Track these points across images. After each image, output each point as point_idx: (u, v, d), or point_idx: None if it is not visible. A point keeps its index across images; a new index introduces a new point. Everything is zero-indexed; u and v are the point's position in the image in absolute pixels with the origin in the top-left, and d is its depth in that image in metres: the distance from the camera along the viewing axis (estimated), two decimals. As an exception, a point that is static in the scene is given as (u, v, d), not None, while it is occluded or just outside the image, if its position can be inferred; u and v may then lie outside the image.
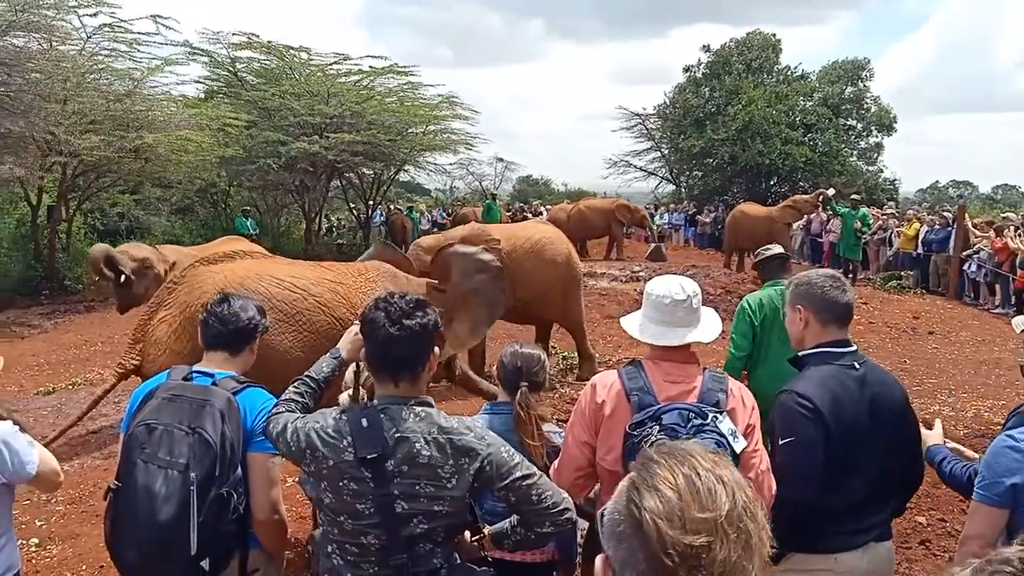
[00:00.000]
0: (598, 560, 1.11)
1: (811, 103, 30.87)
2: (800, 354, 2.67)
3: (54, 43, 14.45)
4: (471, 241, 7.99)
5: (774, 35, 32.47)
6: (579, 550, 2.96)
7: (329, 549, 2.06)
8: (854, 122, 31.62)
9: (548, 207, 25.84)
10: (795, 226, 17.69)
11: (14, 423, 2.46)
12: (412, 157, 23.65)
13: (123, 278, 7.28)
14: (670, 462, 1.06)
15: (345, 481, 1.97)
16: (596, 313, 10.67)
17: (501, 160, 39.03)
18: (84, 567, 4.38)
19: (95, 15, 15.60)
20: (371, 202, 24.97)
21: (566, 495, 2.10)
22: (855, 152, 31.90)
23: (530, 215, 24.06)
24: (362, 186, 24.62)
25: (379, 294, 2.16)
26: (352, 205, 26.05)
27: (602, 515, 1.10)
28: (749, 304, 4.61)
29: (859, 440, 2.47)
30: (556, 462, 2.58)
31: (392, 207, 27.12)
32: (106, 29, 16.13)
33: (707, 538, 0.98)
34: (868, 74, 31.41)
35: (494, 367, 3.04)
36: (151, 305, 4.94)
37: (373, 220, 25.64)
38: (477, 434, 2.03)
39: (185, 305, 4.31)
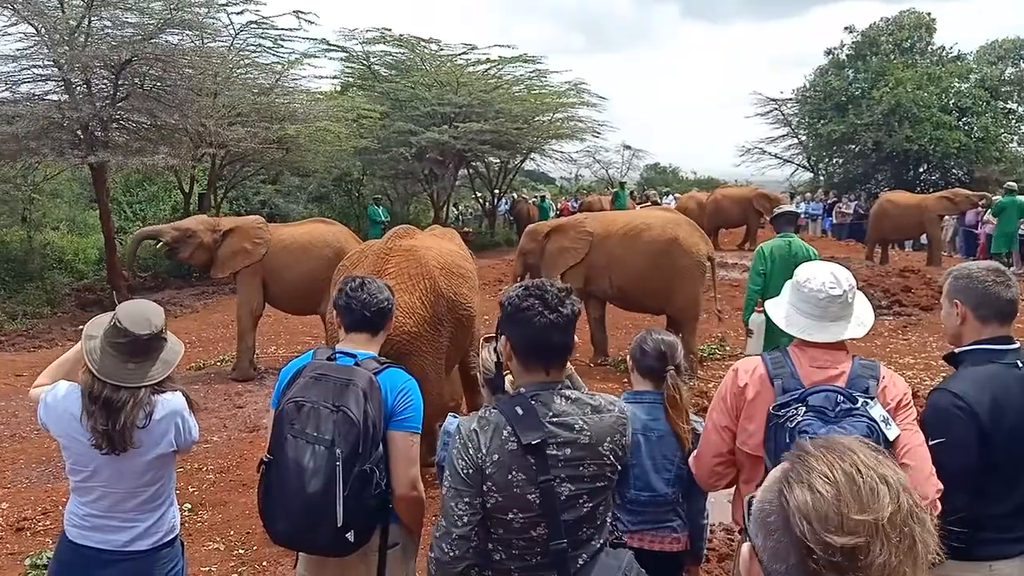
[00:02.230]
0: (744, 548, 1.07)
1: (967, 85, 28.66)
2: (956, 351, 2.49)
3: (205, 40, 15.36)
4: (563, 228, 8.33)
5: (928, 14, 30.38)
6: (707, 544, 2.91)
7: (489, 547, 2.04)
8: (1015, 105, 29.20)
9: (676, 196, 25.29)
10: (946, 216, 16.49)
11: (183, 394, 2.71)
12: (538, 145, 23.77)
13: (159, 244, 9.10)
14: (829, 456, 1.00)
15: (513, 472, 1.96)
16: (727, 304, 10.30)
17: (628, 148, 38.10)
18: (232, 532, 4.67)
19: (241, 13, 16.57)
20: (497, 191, 25.29)
21: None
22: (1015, 137, 29.49)
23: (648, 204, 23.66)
24: (488, 175, 24.98)
25: (525, 282, 2.14)
26: (478, 194, 26.46)
27: (750, 502, 1.07)
28: (764, 251, 6.19)
29: (1022, 443, 2.31)
30: (695, 450, 2.54)
31: (517, 195, 27.33)
32: (253, 26, 17.10)
33: (864, 539, 0.93)
34: (1032, 54, 28.98)
35: (623, 354, 3.00)
36: None
37: (499, 208, 25.97)
38: (620, 407, 2.12)
39: (418, 276, 4.61)
